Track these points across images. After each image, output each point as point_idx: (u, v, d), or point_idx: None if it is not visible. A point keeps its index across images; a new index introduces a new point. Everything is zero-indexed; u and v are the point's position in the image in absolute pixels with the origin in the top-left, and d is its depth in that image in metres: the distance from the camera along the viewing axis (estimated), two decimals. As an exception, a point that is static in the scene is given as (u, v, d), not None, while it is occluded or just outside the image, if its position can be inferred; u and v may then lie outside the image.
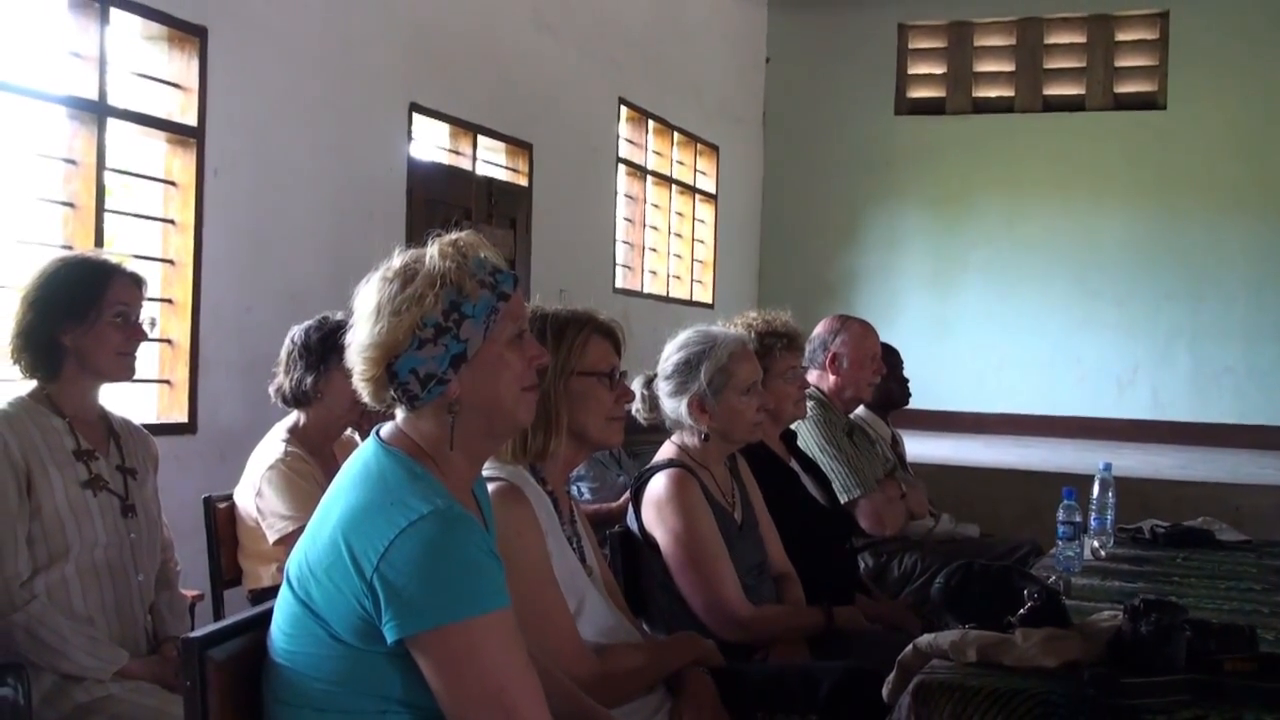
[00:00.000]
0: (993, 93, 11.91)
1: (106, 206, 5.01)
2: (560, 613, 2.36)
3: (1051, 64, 11.76)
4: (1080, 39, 11.66)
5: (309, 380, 3.44)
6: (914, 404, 5.24)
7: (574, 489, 4.43)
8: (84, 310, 2.73)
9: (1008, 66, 11.87)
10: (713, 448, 3.19)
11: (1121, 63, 11.59)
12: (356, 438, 3.63)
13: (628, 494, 4.11)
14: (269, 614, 1.89)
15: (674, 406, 3.15)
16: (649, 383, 3.21)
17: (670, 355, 3.19)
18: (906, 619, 3.55)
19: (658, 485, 3.07)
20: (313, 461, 3.47)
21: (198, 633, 1.89)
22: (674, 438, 3.22)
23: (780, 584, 3.33)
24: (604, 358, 2.58)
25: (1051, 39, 11.74)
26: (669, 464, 3.11)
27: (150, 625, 2.90)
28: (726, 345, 3.16)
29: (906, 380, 5.08)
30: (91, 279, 2.78)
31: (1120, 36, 11.57)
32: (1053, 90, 11.75)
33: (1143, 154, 11.28)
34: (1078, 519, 3.36)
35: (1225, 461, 8.87)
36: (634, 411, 3.23)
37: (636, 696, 2.51)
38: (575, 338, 2.55)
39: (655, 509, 3.05)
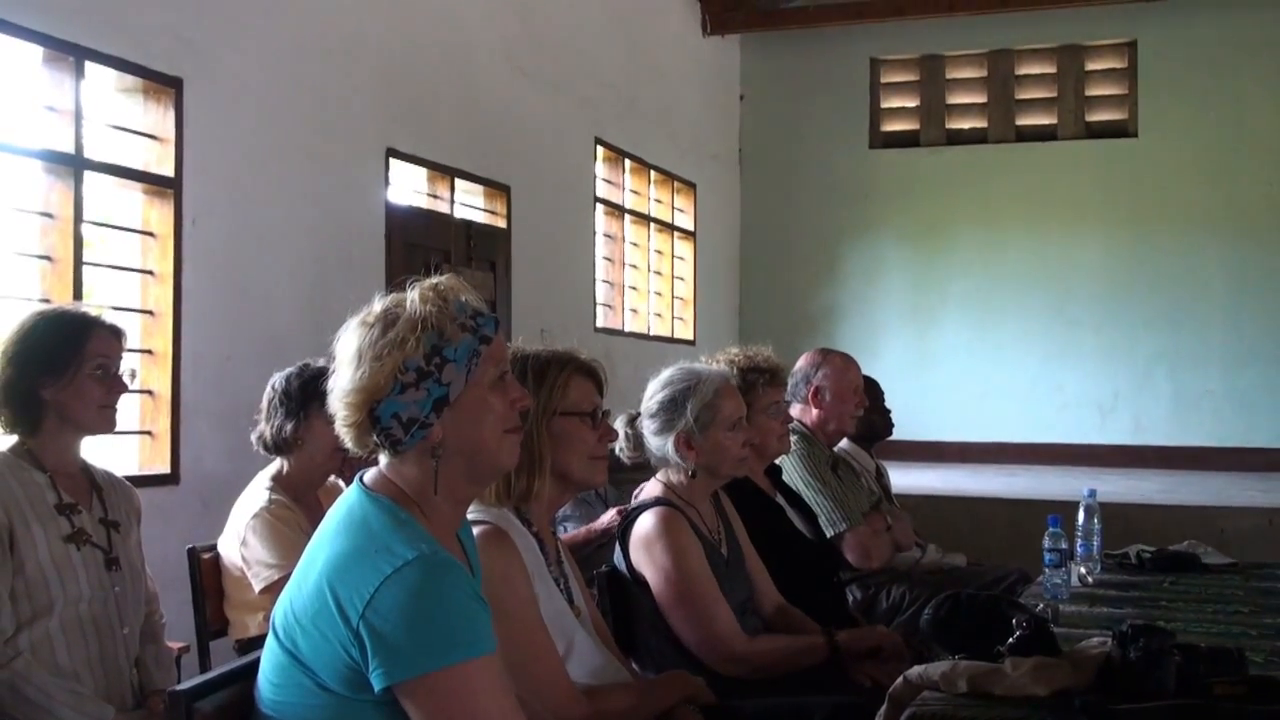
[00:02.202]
0: (966, 124, 12.00)
1: (84, 259, 5.01)
2: (549, 655, 2.35)
3: (1023, 95, 11.85)
4: (1050, 69, 11.77)
5: (289, 427, 3.43)
6: (898, 435, 5.25)
7: (561, 529, 4.42)
8: (64, 364, 2.72)
9: (980, 98, 11.96)
10: (699, 484, 3.19)
11: (1092, 92, 11.70)
12: (341, 484, 3.62)
13: (606, 517, 4.11)
14: (256, 664, 1.88)
15: (660, 444, 3.14)
16: (632, 421, 3.21)
17: (654, 393, 3.19)
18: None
19: (645, 524, 3.05)
20: (297, 509, 3.45)
21: (184, 685, 1.87)
22: (659, 475, 3.21)
23: (784, 616, 3.32)
24: (586, 397, 2.58)
25: (1022, 70, 11.84)
26: (656, 502, 3.10)
27: (136, 679, 2.88)
28: (711, 381, 3.16)
29: (889, 412, 5.09)
30: (70, 332, 2.77)
31: (1090, 66, 11.68)
32: (1025, 120, 11.84)
33: (1116, 182, 11.37)
34: (1064, 546, 3.37)
35: (1208, 484, 8.90)
36: (618, 450, 3.23)
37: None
38: (556, 378, 2.54)
39: (644, 547, 3.04)
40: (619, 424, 3.19)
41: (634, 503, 3.19)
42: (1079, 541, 3.71)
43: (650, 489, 3.19)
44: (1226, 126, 11.10)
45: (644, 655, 3.07)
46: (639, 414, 3.20)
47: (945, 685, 2.23)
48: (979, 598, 2.61)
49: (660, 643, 3.02)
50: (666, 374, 3.22)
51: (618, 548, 3.15)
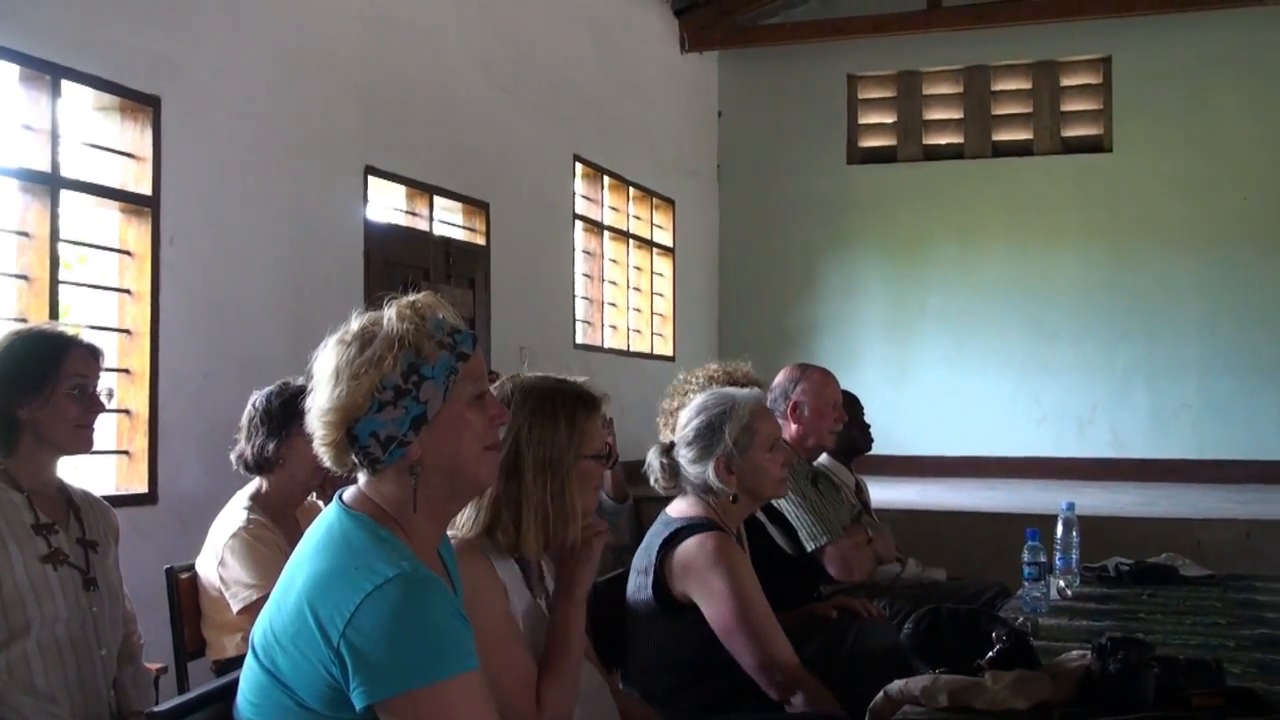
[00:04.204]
0: (943, 140, 12.07)
1: (61, 278, 4.99)
2: (522, 668, 2.31)
3: (999, 110, 11.93)
4: (1026, 85, 11.85)
5: (271, 446, 3.42)
6: (877, 450, 5.25)
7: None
8: (40, 384, 2.71)
9: (956, 114, 12.04)
10: (739, 508, 3.16)
11: (1067, 107, 11.78)
12: (320, 503, 3.60)
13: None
14: (234, 685, 1.87)
15: (699, 471, 3.09)
16: (667, 451, 3.17)
17: (690, 420, 3.14)
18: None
19: (702, 548, 2.98)
20: (276, 528, 3.44)
21: (162, 707, 1.87)
22: (694, 495, 3.14)
23: None
24: (600, 436, 2.50)
25: (998, 86, 11.92)
26: (706, 525, 3.04)
27: (114, 700, 2.86)
28: (747, 404, 3.13)
29: (868, 426, 5.09)
30: (46, 352, 2.75)
31: (1065, 82, 11.77)
32: (1001, 136, 11.91)
33: (1092, 196, 11.45)
34: (1043, 559, 3.38)
35: (1186, 496, 8.94)
36: (653, 482, 3.21)
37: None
38: (586, 422, 2.44)
39: (696, 572, 2.97)
40: (652, 454, 3.17)
41: (672, 523, 3.12)
42: (1058, 555, 3.72)
43: (688, 509, 3.13)
44: (1200, 141, 11.20)
45: (633, 670, 3.07)
46: (673, 444, 3.17)
47: (926, 699, 2.24)
48: (959, 612, 2.62)
49: (663, 662, 3.01)
50: (699, 400, 3.18)
51: (645, 570, 3.07)
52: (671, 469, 3.15)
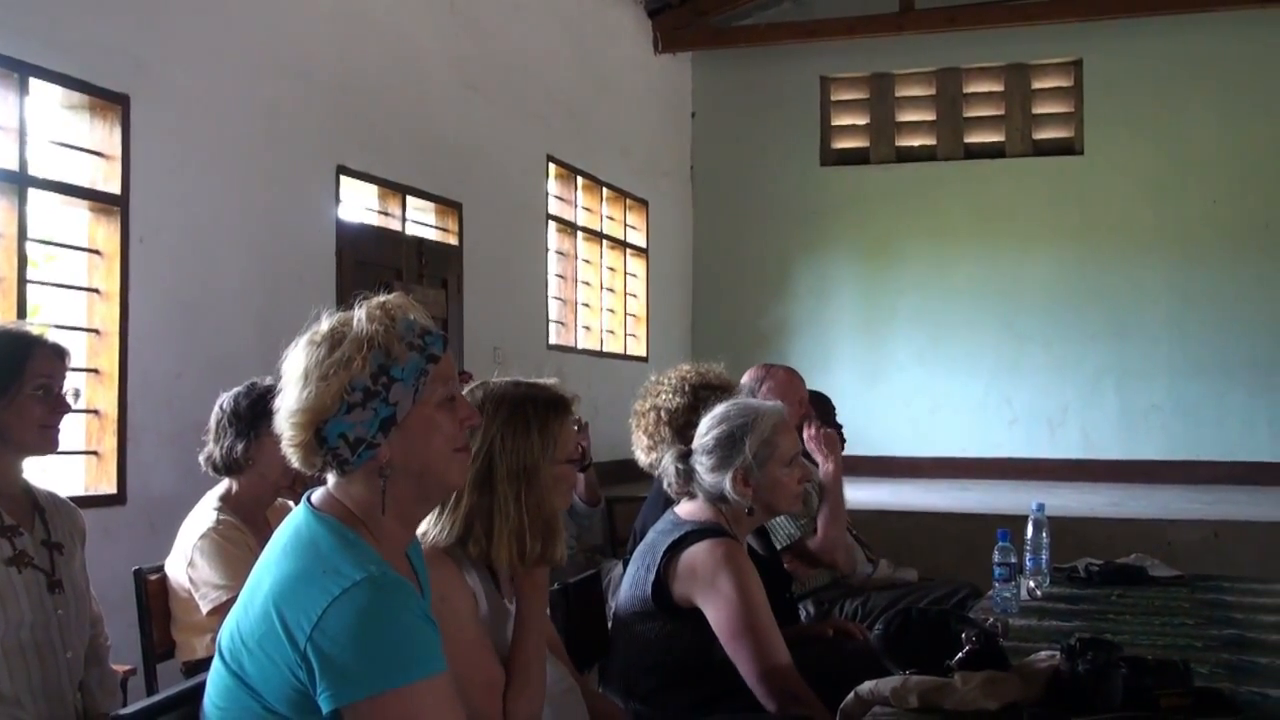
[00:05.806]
0: (915, 141, 12.11)
1: (29, 277, 4.95)
2: (490, 673, 2.29)
3: (971, 112, 11.98)
4: (998, 87, 11.90)
5: (239, 447, 3.40)
6: (849, 450, 5.24)
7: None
8: (4, 384, 2.68)
9: (929, 116, 12.08)
10: (751, 520, 3.14)
11: (1039, 110, 11.84)
12: (291, 504, 3.58)
13: None
14: (202, 687, 1.86)
15: (715, 481, 3.07)
16: (684, 457, 3.15)
17: (710, 429, 3.12)
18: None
19: (711, 553, 2.96)
20: (246, 529, 3.42)
21: (129, 709, 1.85)
22: (703, 500, 3.12)
23: None
24: (573, 439, 2.48)
25: (970, 88, 11.97)
26: (716, 530, 3.03)
27: (80, 703, 2.84)
28: (769, 417, 3.11)
29: (840, 427, 5.10)
30: (11, 351, 2.73)
31: (1036, 84, 11.82)
32: (973, 138, 11.96)
33: (1063, 198, 11.51)
34: (1013, 560, 3.40)
35: (1155, 497, 9.01)
36: (665, 486, 3.20)
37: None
38: (559, 428, 2.42)
39: (704, 577, 2.95)
40: (668, 460, 3.16)
41: (681, 524, 3.10)
42: (1028, 555, 3.74)
43: (699, 512, 3.11)
44: (1170, 144, 11.27)
45: (612, 673, 3.06)
46: (690, 450, 3.15)
47: (896, 701, 2.24)
48: (929, 613, 2.63)
49: (642, 664, 3.00)
50: (721, 410, 3.16)
51: (647, 568, 3.05)
52: (686, 474, 3.13)
